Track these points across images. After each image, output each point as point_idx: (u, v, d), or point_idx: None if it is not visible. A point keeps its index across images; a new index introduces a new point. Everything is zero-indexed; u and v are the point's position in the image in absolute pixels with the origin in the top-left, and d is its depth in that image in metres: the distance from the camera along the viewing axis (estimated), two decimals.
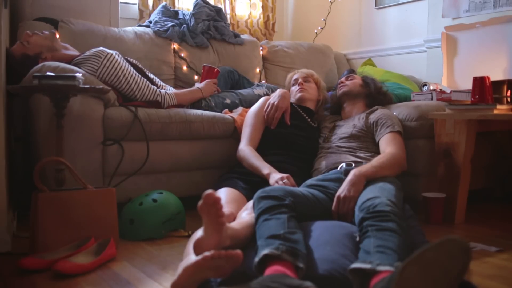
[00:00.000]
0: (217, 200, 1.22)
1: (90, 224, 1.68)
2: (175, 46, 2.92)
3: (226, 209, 1.63)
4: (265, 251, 1.22)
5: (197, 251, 1.24)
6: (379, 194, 1.47)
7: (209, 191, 1.22)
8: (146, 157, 2.14)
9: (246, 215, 1.57)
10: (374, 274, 1.14)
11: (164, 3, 3.16)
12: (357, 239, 1.37)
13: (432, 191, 2.13)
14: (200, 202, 1.22)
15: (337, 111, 2.32)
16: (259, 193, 1.50)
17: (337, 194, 1.67)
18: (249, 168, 2.01)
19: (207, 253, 1.18)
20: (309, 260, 1.27)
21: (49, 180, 1.84)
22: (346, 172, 1.76)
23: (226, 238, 1.29)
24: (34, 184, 1.64)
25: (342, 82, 2.30)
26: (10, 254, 1.65)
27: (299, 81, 2.35)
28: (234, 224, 1.44)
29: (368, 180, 1.69)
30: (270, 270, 1.18)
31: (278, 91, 2.26)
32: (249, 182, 1.94)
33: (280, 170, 1.93)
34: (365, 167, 1.75)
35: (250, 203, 1.65)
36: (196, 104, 2.47)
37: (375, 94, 2.24)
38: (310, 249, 1.34)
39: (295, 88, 2.34)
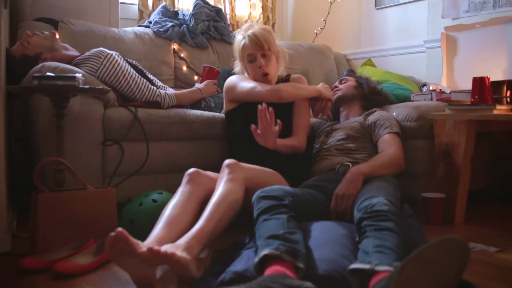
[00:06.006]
0: (121, 233, 1.23)
1: (90, 224, 1.68)
2: (175, 46, 2.92)
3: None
4: (265, 251, 1.22)
5: None
6: (377, 194, 1.47)
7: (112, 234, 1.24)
8: (146, 158, 2.14)
9: (223, 184, 1.61)
10: (373, 274, 1.14)
11: (164, 3, 3.17)
12: (357, 239, 1.38)
13: (432, 191, 2.13)
14: (108, 249, 1.24)
15: (336, 116, 2.32)
16: (258, 193, 1.50)
17: (336, 192, 1.68)
18: None
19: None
20: (308, 260, 1.28)
21: (49, 180, 1.84)
22: (344, 172, 1.76)
23: (185, 252, 1.31)
24: (34, 184, 1.64)
25: (336, 87, 2.30)
26: (10, 254, 1.65)
27: (257, 61, 2.03)
28: (200, 225, 1.44)
29: (366, 178, 1.69)
30: (270, 270, 1.18)
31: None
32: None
33: (273, 163, 1.91)
34: (363, 165, 1.76)
35: (225, 162, 1.68)
36: (196, 104, 2.47)
37: (369, 95, 2.24)
38: (309, 249, 1.34)
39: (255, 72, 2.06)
